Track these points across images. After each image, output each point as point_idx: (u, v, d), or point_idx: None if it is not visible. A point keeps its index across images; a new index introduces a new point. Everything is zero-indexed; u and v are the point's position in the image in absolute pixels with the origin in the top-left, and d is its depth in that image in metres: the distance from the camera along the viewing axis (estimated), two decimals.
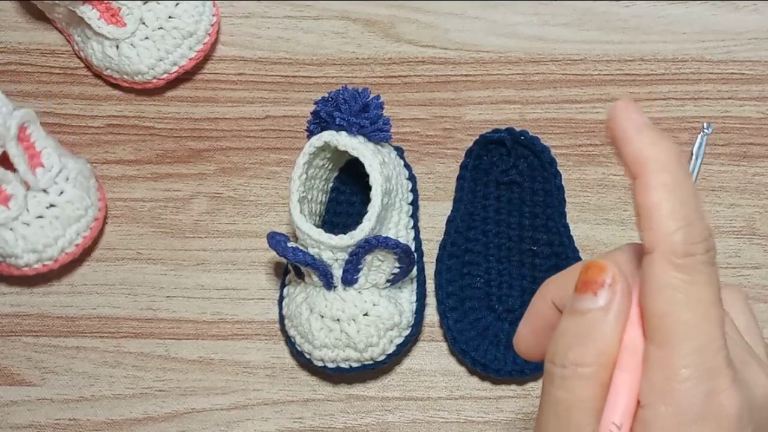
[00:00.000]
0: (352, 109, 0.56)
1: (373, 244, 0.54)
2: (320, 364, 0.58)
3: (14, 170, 0.60)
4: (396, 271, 0.56)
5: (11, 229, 0.59)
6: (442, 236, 0.62)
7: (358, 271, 0.56)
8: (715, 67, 0.66)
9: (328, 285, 0.56)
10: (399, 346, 0.58)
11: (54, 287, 0.64)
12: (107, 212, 0.64)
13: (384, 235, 0.55)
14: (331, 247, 0.55)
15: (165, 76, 0.65)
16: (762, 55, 0.66)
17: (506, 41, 0.67)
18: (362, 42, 0.68)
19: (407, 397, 0.61)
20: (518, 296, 0.59)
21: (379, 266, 0.56)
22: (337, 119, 0.56)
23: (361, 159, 0.56)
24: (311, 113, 0.58)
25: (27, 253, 0.60)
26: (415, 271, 0.60)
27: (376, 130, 0.57)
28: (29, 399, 0.62)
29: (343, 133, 0.56)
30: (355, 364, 0.57)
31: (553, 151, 0.62)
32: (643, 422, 0.31)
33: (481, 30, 0.68)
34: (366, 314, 0.56)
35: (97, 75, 0.68)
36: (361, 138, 0.57)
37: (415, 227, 0.61)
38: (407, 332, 0.58)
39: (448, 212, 0.63)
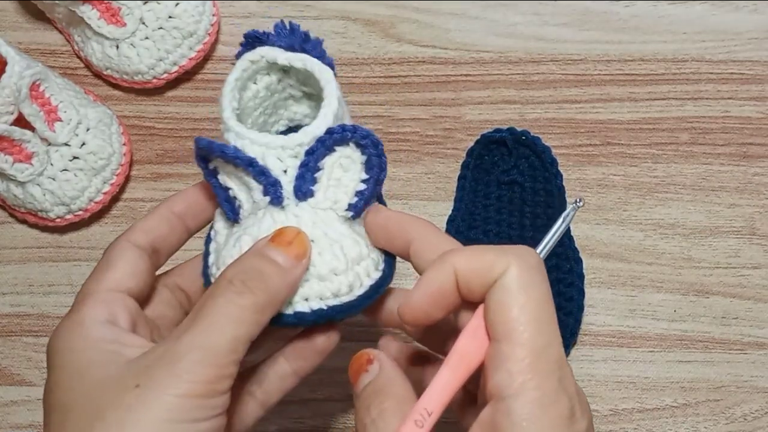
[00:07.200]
0: (295, 37, 0.48)
1: (338, 134, 0.44)
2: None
3: (33, 129, 0.60)
4: (361, 188, 0.45)
5: (38, 185, 0.61)
6: None
7: (315, 180, 0.44)
8: (715, 67, 0.66)
9: (277, 199, 0.44)
10: (372, 288, 0.45)
11: (54, 287, 0.64)
12: (132, 159, 0.66)
13: (351, 124, 0.44)
14: (278, 147, 0.44)
15: (165, 76, 0.66)
16: (762, 55, 0.66)
17: (506, 41, 0.67)
18: (362, 42, 0.68)
19: None
20: None
21: (340, 179, 0.45)
22: (276, 43, 0.48)
23: (310, 69, 0.46)
24: (243, 36, 0.49)
25: (56, 207, 0.62)
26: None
27: (319, 57, 0.47)
28: (29, 399, 0.62)
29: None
30: (318, 305, 0.43)
31: (553, 151, 0.62)
32: (506, 412, 0.35)
33: (481, 30, 0.68)
34: (326, 234, 0.44)
35: (97, 75, 0.68)
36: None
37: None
38: (378, 275, 0.45)
39: (448, 212, 0.63)
